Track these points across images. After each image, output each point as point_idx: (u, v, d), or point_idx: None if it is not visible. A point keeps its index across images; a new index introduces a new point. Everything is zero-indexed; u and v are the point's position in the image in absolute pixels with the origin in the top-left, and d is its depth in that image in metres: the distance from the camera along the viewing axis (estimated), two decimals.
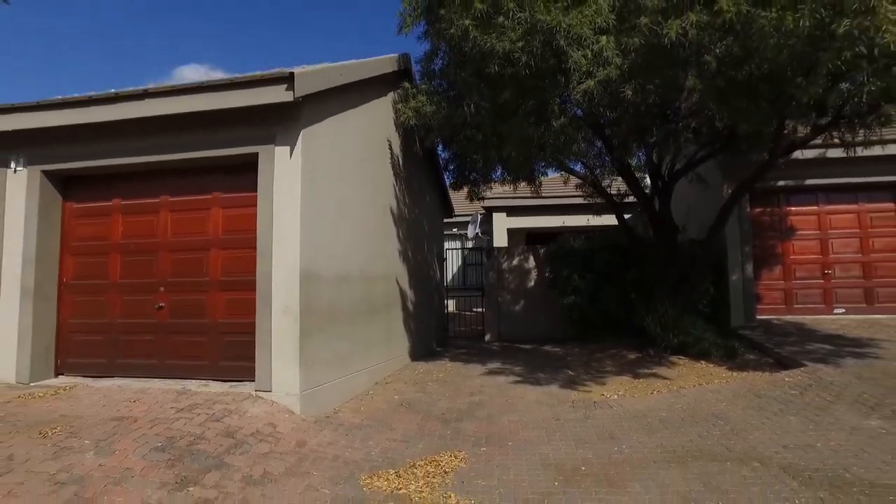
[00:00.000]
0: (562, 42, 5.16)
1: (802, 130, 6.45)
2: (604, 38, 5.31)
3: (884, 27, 3.43)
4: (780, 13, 3.91)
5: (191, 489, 3.49)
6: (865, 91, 4.14)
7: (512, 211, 14.41)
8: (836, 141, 6.74)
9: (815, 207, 9.44)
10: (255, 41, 70.56)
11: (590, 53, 5.29)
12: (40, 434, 4.21)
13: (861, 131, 6.21)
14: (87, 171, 5.95)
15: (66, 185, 6.14)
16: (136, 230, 5.94)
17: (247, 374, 5.42)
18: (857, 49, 3.76)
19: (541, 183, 9.90)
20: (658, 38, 4.85)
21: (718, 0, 4.48)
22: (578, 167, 8.91)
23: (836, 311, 9.18)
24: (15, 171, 5.91)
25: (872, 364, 6.26)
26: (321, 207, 5.61)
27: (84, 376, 5.90)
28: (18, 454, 3.85)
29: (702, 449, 4.38)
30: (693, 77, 4.92)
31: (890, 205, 9.19)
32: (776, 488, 3.61)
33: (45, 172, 5.91)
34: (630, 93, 5.25)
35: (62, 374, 6.02)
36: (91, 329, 5.98)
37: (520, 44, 5.35)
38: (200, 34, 69.60)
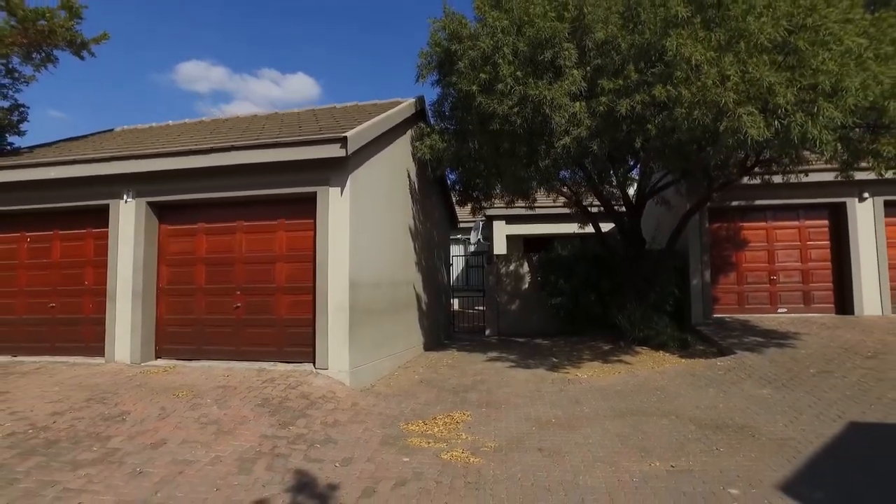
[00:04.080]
0: (547, 110, 6.93)
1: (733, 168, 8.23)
2: (577, 104, 7.10)
3: (744, 128, 5.25)
4: (689, 109, 5.67)
5: (290, 428, 5.31)
6: (750, 158, 5.90)
7: (510, 219, 16.14)
8: (759, 180, 8.53)
9: (764, 223, 11.22)
10: (254, 30, 71.74)
11: (567, 115, 7.08)
12: (174, 395, 6.03)
13: (777, 170, 8.03)
14: (180, 202, 7.76)
15: (162, 211, 7.94)
16: (217, 247, 7.75)
17: (305, 357, 7.24)
18: (735, 137, 5.54)
19: (534, 199, 11.68)
20: (614, 111, 6.63)
21: (655, 88, 6.26)
22: (564, 189, 10.69)
23: (779, 310, 10.97)
24: (126, 201, 7.73)
25: (786, 352, 8.07)
26: (362, 230, 7.40)
27: (178, 359, 7.72)
28: (168, 407, 5.68)
29: (639, 409, 6.18)
30: (639, 139, 6.72)
31: (824, 221, 10.99)
32: (680, 429, 5.41)
33: (148, 203, 7.72)
34: (596, 147, 7.04)
35: (160, 358, 7.83)
36: (182, 323, 7.80)
37: (515, 109, 7.13)
38: (201, 26, 70.61)
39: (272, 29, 73.56)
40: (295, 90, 74.34)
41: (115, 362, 7.58)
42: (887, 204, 10.53)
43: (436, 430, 5.58)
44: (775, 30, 5.64)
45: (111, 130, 11.59)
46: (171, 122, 11.42)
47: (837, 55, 5.51)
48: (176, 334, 7.83)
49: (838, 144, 6.96)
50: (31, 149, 9.75)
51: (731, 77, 5.60)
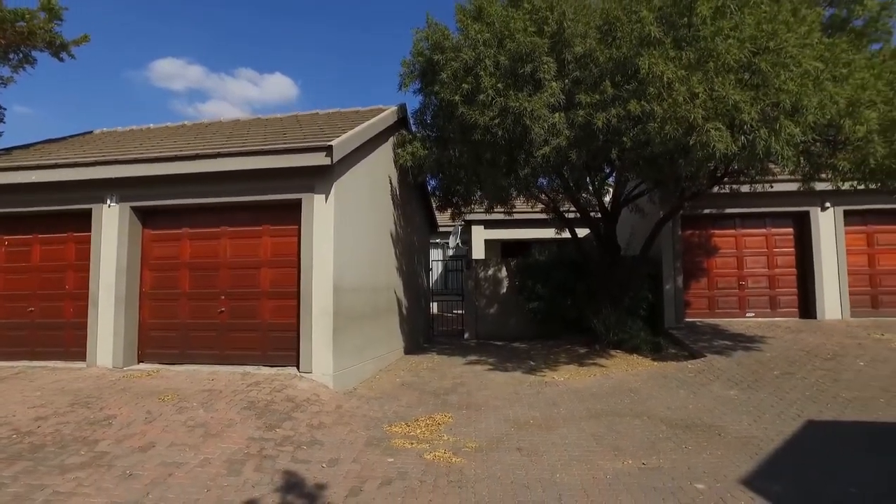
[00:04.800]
0: (527, 121, 7.18)
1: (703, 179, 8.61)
2: (556, 115, 7.37)
3: (712, 142, 5.59)
4: (661, 123, 5.99)
5: (277, 430, 5.44)
6: (719, 169, 6.25)
7: (489, 224, 16.41)
8: (728, 189, 8.94)
9: (734, 231, 11.67)
10: (232, 29, 70.64)
11: (546, 126, 7.34)
12: (160, 399, 6.11)
13: (745, 180, 8.44)
14: (165, 207, 7.81)
15: (146, 215, 7.97)
16: (201, 252, 7.82)
17: (289, 361, 7.36)
18: (704, 151, 5.86)
19: (513, 205, 11.94)
20: (592, 123, 6.92)
21: (630, 103, 6.56)
22: (542, 196, 10.97)
23: (748, 314, 11.42)
24: (109, 206, 7.75)
25: (752, 354, 8.45)
26: (345, 236, 7.55)
27: (160, 363, 7.76)
28: (154, 410, 5.76)
29: (613, 410, 6.45)
30: (615, 150, 7.02)
31: (789, 229, 11.48)
32: (652, 429, 5.69)
33: (132, 208, 7.76)
34: (574, 157, 7.32)
35: (143, 362, 7.86)
36: (166, 327, 7.85)
37: (496, 120, 7.37)
38: (178, 23, 69.31)
39: (250, 28, 72.87)
40: (273, 90, 73.82)
41: (98, 367, 7.58)
42: (847, 213, 11.05)
43: (418, 431, 5.76)
44: (740, 51, 5.98)
45: (90, 133, 11.53)
46: (151, 126, 11.41)
47: (797, 76, 5.87)
48: (159, 339, 7.87)
49: (800, 158, 7.39)
50: (8, 151, 9.65)
51: (700, 95, 5.92)
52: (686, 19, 6.57)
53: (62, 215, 8.13)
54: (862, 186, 7.66)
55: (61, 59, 9.86)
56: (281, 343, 7.44)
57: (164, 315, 7.88)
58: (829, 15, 7.59)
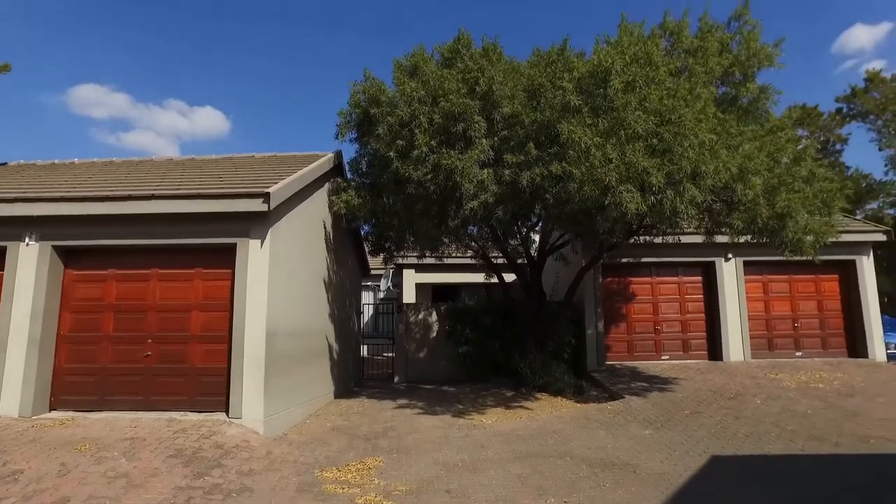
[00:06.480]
0: (458, 177, 7.64)
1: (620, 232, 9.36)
2: (485, 171, 7.89)
3: (625, 203, 6.27)
4: (580, 184, 6.62)
5: (205, 478, 5.35)
6: (634, 224, 6.93)
7: (420, 268, 16.74)
8: (643, 240, 9.78)
9: (649, 279, 12.58)
10: (161, 58, 68.32)
11: (476, 181, 7.83)
12: (76, 450, 5.84)
13: (657, 233, 9.28)
14: (90, 247, 7.59)
15: (69, 255, 7.70)
16: (128, 294, 7.61)
17: (218, 406, 7.23)
18: (618, 210, 6.53)
19: (444, 252, 12.36)
20: (517, 181, 7.47)
21: (552, 164, 7.17)
22: (472, 244, 11.45)
23: (663, 357, 12.23)
24: (27, 244, 7.44)
25: (666, 395, 9.09)
26: (279, 281, 7.62)
27: (77, 411, 7.37)
28: (69, 462, 5.52)
29: (538, 451, 6.76)
30: (539, 206, 7.60)
31: (698, 277, 12.53)
32: (573, 469, 6.03)
33: (54, 247, 7.48)
34: (501, 212, 7.82)
35: (56, 410, 7.44)
36: (84, 372, 7.50)
37: (429, 175, 7.78)
38: (101, 49, 66.28)
39: (181, 58, 71.21)
40: (203, 124, 72.01)
41: (0, 417, 7.10)
42: (746, 264, 12.23)
43: (349, 476, 5.82)
44: (647, 122, 6.75)
45: (4, 164, 10.99)
46: (76, 160, 11.04)
47: (696, 145, 6.68)
48: (76, 384, 7.50)
49: (703, 216, 8.27)
50: None
51: (614, 160, 6.60)
52: (602, 90, 7.33)
53: None
54: (755, 241, 8.61)
55: None
56: (210, 388, 7.30)
57: (83, 359, 7.54)
58: (722, 92, 8.66)
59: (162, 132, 69.61)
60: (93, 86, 67.17)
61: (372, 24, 74.55)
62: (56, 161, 11.07)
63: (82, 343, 7.59)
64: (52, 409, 7.43)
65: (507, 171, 7.48)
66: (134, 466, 5.47)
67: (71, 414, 7.28)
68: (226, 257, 7.40)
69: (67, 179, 8.78)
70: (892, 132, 22.23)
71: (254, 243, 7.25)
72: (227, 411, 7.06)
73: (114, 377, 7.46)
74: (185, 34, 68.71)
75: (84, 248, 7.61)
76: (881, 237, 12.30)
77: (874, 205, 22.77)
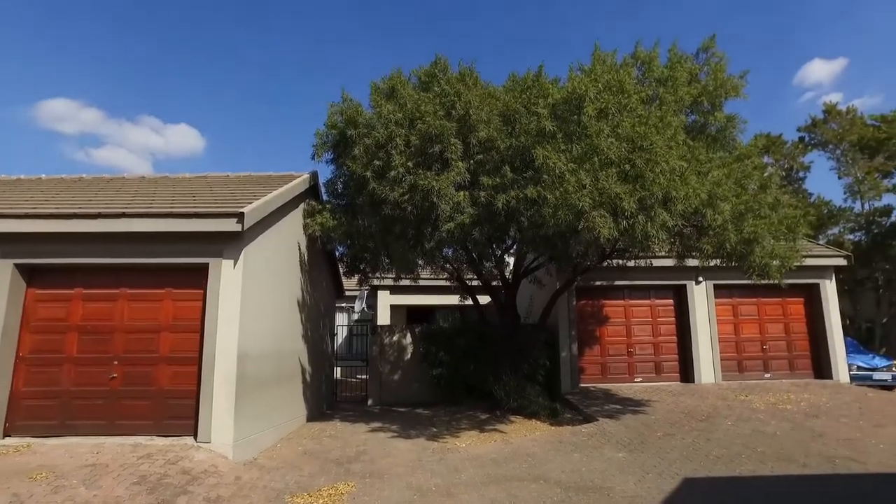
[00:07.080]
0: (434, 198, 7.69)
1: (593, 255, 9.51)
2: (461, 193, 7.96)
3: (598, 228, 6.40)
4: (554, 209, 6.74)
5: None
6: (607, 248, 7.08)
7: (395, 290, 16.60)
8: (616, 263, 9.94)
9: (623, 301, 12.75)
10: (134, 74, 66.51)
11: (452, 203, 7.89)
12: (30, 478, 5.60)
13: (629, 257, 9.45)
14: (56, 266, 7.38)
15: (32, 273, 7.46)
16: (95, 314, 7.39)
17: (186, 430, 7.02)
18: (591, 234, 6.66)
19: (419, 274, 12.35)
20: (493, 203, 7.55)
21: (527, 188, 7.28)
22: (447, 266, 11.48)
23: (636, 379, 12.34)
24: None
25: (639, 417, 9.15)
26: (252, 302, 7.50)
27: (33, 436, 7.06)
28: (21, 492, 5.27)
29: (512, 475, 6.72)
30: (514, 230, 7.69)
31: (670, 300, 12.75)
32: (547, 492, 6.00)
33: (16, 265, 7.25)
34: (477, 234, 7.88)
35: (10, 436, 7.11)
36: (44, 395, 7.21)
37: (406, 196, 7.81)
38: (73, 64, 64.30)
39: (155, 74, 70.17)
40: (177, 141, 70.82)
41: None
42: (717, 287, 12.50)
43: (321, 501, 5.69)
44: (619, 148, 6.92)
45: None
46: (43, 176, 10.77)
47: (666, 172, 6.87)
48: (34, 408, 7.20)
49: (674, 240, 8.45)
50: None
51: (588, 185, 6.74)
52: (576, 117, 7.51)
53: None
54: (724, 264, 8.83)
55: None
56: (178, 411, 7.09)
57: (43, 382, 7.25)
58: (692, 120, 8.95)
59: (134, 149, 68.26)
60: (63, 100, 65.73)
61: (354, 46, 74.97)
62: (22, 177, 10.77)
63: (43, 365, 7.31)
64: (6, 434, 7.10)
65: (482, 194, 7.57)
66: (94, 495, 5.26)
67: (27, 440, 6.98)
68: (197, 277, 7.27)
69: (34, 195, 8.55)
70: (850, 161, 23.14)
71: (227, 263, 7.15)
72: (195, 435, 6.85)
73: (76, 400, 7.20)
74: (163, 50, 68.01)
75: (49, 266, 7.39)
76: (842, 261, 12.76)
77: (835, 230, 23.55)
